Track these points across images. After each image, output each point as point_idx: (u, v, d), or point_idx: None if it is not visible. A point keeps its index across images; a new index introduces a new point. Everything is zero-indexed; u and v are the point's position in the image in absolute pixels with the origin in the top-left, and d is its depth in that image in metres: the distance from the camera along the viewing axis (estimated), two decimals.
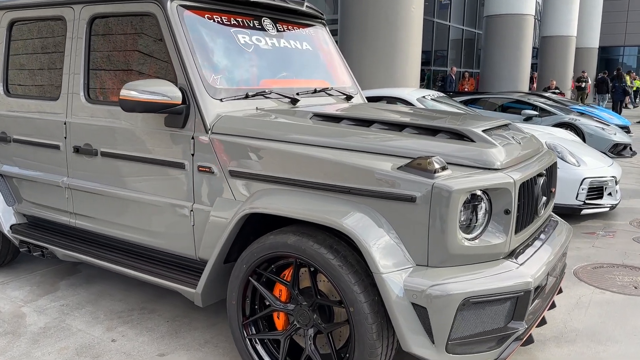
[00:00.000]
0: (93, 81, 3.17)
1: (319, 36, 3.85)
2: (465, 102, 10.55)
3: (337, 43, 9.59)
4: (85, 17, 3.15)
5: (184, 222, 2.82)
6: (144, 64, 2.96)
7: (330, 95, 3.62)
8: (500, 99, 11.12)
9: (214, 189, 2.69)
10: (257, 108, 2.94)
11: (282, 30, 3.48)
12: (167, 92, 2.64)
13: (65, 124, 3.26)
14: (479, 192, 2.23)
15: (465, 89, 17.42)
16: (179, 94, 2.68)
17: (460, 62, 22.24)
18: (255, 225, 2.64)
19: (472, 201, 2.24)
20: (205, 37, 2.92)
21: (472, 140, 2.47)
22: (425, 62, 19.44)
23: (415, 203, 2.17)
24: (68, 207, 3.37)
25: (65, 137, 3.27)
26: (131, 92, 2.61)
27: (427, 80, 19.35)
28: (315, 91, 3.45)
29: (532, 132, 6.32)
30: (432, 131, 2.58)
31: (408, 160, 2.27)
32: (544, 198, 2.68)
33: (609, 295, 3.70)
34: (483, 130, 2.55)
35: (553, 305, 2.92)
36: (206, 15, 2.99)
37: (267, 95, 3.07)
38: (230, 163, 2.63)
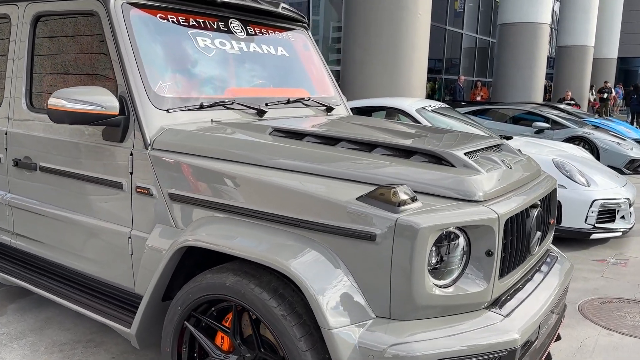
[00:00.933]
0: (36, 86, 2.84)
1: (298, 41, 3.49)
2: (474, 113, 10.11)
3: (341, 49, 9.23)
4: (30, 16, 2.82)
5: (122, 251, 2.46)
6: (90, 69, 2.62)
7: (307, 106, 3.25)
8: (511, 110, 10.66)
9: (153, 214, 2.33)
10: (212, 120, 2.58)
11: (253, 33, 3.12)
12: (102, 101, 2.29)
13: (6, 133, 2.93)
14: (454, 230, 1.85)
15: (478, 99, 16.94)
16: (116, 104, 2.33)
17: (473, 71, 21.76)
18: (199, 258, 2.27)
19: (445, 240, 1.85)
20: (154, 39, 2.57)
21: (452, 165, 2.08)
22: (437, 71, 19.03)
23: (375, 242, 1.78)
24: (9, 227, 3.03)
25: (7, 149, 2.93)
26: (60, 101, 2.26)
27: (437, 89, 18.91)
28: (288, 102, 3.08)
29: (541, 147, 5.90)
30: (406, 152, 2.20)
31: (371, 189, 1.88)
32: (539, 233, 2.28)
33: (618, 338, 3.26)
34: (466, 153, 2.16)
35: (548, 358, 2.52)
36: (159, 15, 2.64)
37: (228, 106, 2.71)
38: (171, 184, 2.26)
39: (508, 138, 5.94)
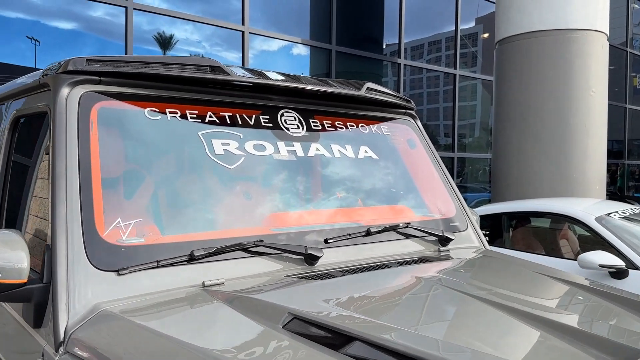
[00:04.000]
0: (8, 207, 2.02)
1: (398, 135, 2.32)
2: None
3: (491, 132, 7.70)
4: (10, 118, 2.07)
5: None
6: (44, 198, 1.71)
7: (407, 236, 2.01)
8: None
9: None
10: (203, 284, 1.46)
11: (319, 128, 2.03)
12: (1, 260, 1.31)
13: None
14: None
15: None
16: (24, 265, 1.33)
17: None
18: None
19: None
20: (131, 148, 1.58)
21: None
22: (616, 154, 16.23)
23: None
24: None
25: None
26: None
27: (619, 176, 16.00)
28: (368, 233, 1.87)
29: None
30: None
31: None
32: None
33: None
34: None
35: None
36: (149, 109, 1.67)
37: (249, 249, 1.59)
38: None
39: None
